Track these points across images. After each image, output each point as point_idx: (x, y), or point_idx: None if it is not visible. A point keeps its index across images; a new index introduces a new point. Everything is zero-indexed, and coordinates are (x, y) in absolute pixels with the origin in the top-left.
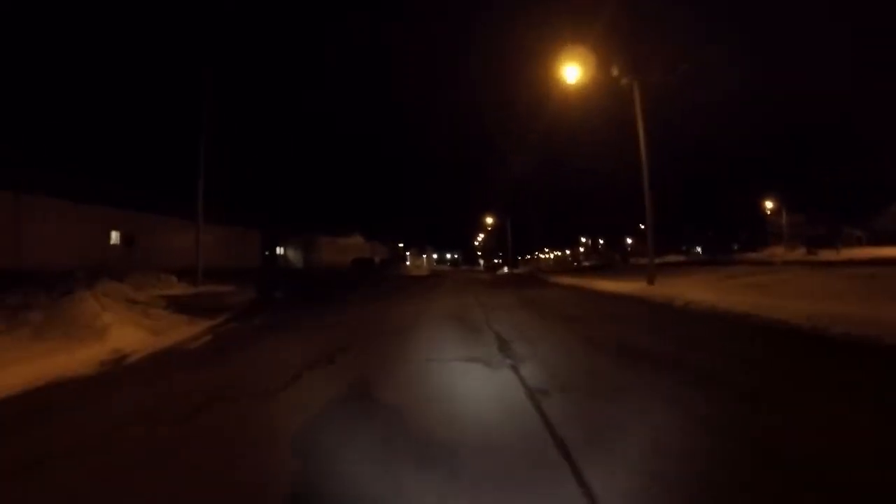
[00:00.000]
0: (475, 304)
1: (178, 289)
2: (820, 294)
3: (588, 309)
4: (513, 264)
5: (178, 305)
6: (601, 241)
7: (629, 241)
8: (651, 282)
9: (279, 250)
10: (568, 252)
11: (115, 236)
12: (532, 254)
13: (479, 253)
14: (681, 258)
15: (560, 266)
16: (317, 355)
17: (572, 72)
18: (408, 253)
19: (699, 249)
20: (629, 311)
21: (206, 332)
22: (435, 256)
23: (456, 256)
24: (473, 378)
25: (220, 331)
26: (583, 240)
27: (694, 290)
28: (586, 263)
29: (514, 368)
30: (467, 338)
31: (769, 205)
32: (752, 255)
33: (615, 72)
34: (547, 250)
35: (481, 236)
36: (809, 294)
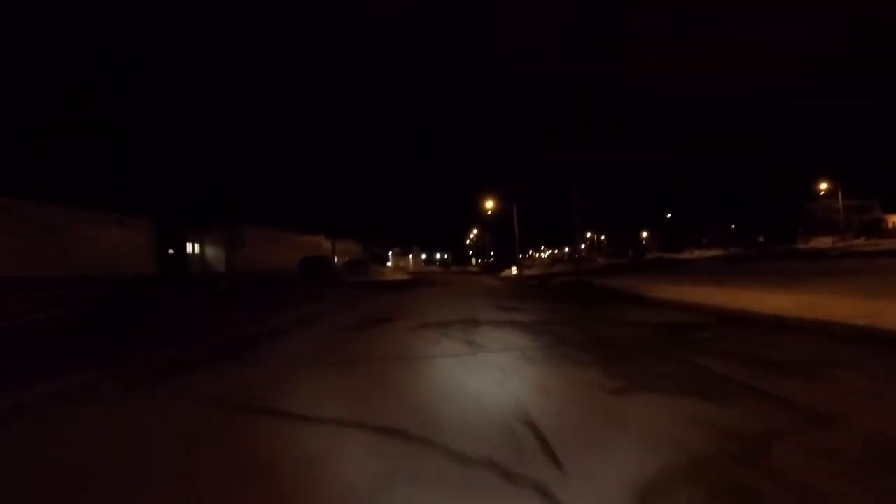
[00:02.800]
0: None
1: None
2: None
3: None
4: (518, 263)
5: None
6: (603, 237)
7: (644, 234)
8: None
9: (194, 248)
10: (566, 249)
11: None
12: (525, 252)
13: (472, 252)
14: (712, 252)
15: (579, 265)
16: None
17: None
18: (390, 252)
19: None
20: None
21: None
22: (423, 256)
23: (446, 256)
24: None
25: None
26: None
27: None
28: (600, 260)
29: None
30: None
31: (823, 186)
32: (805, 247)
33: None
34: (543, 248)
35: (475, 231)
36: None
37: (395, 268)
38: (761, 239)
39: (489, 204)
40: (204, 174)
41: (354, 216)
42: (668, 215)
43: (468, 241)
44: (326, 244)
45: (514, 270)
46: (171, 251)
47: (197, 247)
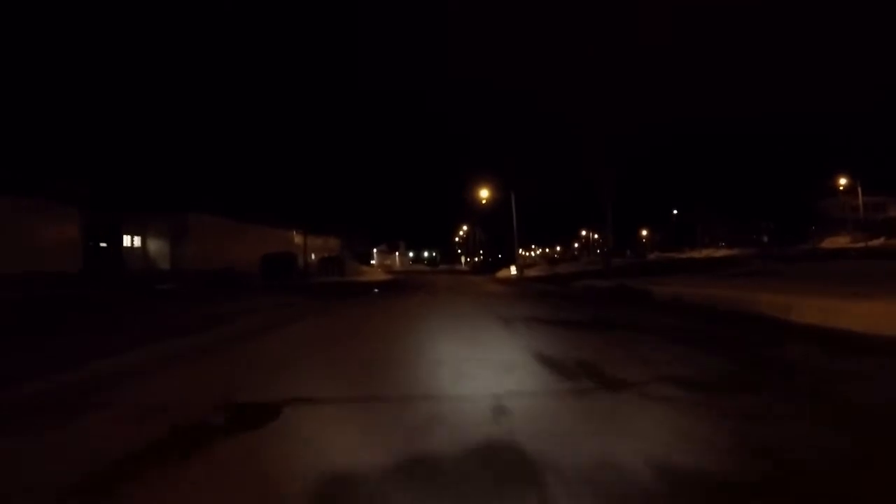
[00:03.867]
0: None
1: None
2: None
3: None
4: (518, 262)
5: None
6: (595, 235)
7: (644, 232)
8: None
9: (133, 241)
10: (558, 249)
11: None
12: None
13: (460, 250)
14: (722, 252)
15: (576, 267)
16: None
17: None
18: (375, 250)
19: (703, 242)
20: None
21: None
22: (410, 254)
23: (434, 254)
24: None
25: None
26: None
27: None
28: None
29: None
30: None
31: (842, 181)
32: (829, 246)
33: None
34: (533, 247)
35: (464, 228)
36: None
37: (379, 266)
38: (765, 238)
39: (483, 193)
40: (148, 153)
41: (335, 211)
42: (675, 212)
43: (457, 239)
44: (300, 240)
45: (512, 270)
46: (102, 245)
47: (138, 240)
